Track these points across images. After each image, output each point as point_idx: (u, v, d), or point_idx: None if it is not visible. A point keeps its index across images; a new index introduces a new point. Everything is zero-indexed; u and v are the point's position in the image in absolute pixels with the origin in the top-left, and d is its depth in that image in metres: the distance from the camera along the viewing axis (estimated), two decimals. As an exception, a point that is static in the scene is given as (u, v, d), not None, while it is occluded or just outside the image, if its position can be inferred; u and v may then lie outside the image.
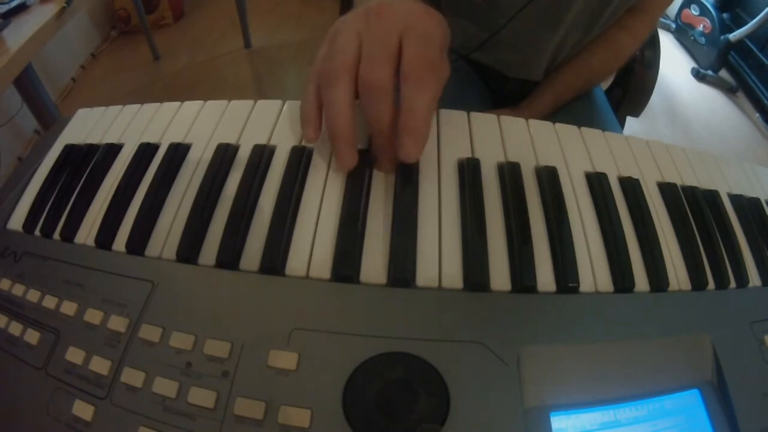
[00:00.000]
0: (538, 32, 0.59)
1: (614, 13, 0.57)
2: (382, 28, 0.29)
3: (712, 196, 0.36)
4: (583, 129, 0.38)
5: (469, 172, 0.32)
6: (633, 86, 0.77)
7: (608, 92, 0.80)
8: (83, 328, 0.27)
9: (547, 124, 0.38)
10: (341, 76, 0.29)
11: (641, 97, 0.78)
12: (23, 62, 0.84)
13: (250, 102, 0.38)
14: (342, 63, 0.29)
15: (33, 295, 0.29)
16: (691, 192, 0.35)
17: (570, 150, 0.36)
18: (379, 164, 0.32)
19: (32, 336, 0.28)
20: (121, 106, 0.41)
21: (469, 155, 0.34)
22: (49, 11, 0.87)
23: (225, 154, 0.34)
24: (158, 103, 0.40)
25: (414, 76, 0.29)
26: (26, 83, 1.04)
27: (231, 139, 0.35)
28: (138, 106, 0.41)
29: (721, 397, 0.26)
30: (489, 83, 0.70)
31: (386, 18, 0.30)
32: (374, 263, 0.28)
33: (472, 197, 0.31)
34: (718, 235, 0.33)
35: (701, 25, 1.87)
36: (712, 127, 1.69)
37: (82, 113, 0.42)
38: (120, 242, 0.31)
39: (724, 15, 1.79)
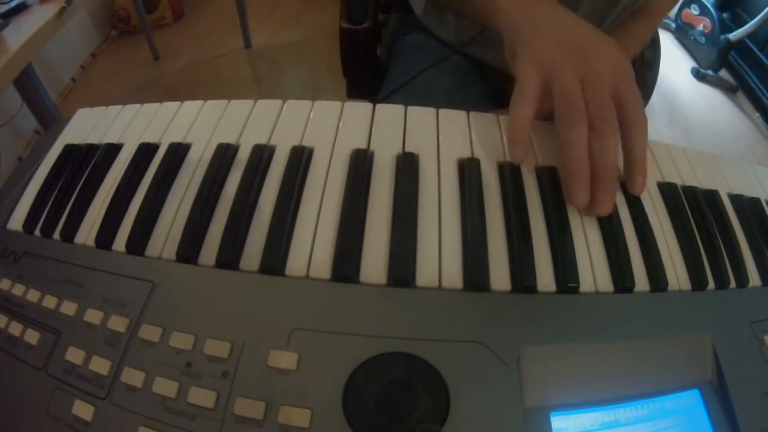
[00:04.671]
0: None
1: (618, 17, 0.57)
2: (599, 73, 0.32)
3: (712, 196, 0.36)
4: (584, 129, 0.38)
5: (469, 172, 0.32)
6: (633, 86, 0.77)
7: (608, 92, 0.80)
8: (83, 328, 0.27)
9: (547, 123, 0.38)
10: (580, 120, 0.31)
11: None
12: (23, 62, 0.84)
13: (250, 102, 0.38)
14: (579, 108, 0.32)
15: (33, 295, 0.29)
16: (691, 192, 0.35)
17: (570, 150, 0.36)
18: (596, 204, 0.31)
19: (32, 336, 0.28)
20: (121, 106, 0.41)
21: (469, 155, 0.34)
22: (49, 11, 0.87)
23: (225, 154, 0.34)
24: (158, 103, 0.40)
25: (637, 123, 0.32)
26: (26, 83, 1.04)
27: (231, 139, 0.35)
28: (138, 106, 0.41)
29: (721, 397, 0.26)
30: (489, 83, 0.70)
31: (598, 61, 0.33)
32: (374, 263, 0.28)
33: (472, 197, 0.31)
34: (718, 235, 0.33)
35: (701, 25, 1.87)
36: (712, 127, 1.69)
37: (82, 113, 0.42)
38: (120, 242, 0.31)
39: (724, 15, 1.79)
